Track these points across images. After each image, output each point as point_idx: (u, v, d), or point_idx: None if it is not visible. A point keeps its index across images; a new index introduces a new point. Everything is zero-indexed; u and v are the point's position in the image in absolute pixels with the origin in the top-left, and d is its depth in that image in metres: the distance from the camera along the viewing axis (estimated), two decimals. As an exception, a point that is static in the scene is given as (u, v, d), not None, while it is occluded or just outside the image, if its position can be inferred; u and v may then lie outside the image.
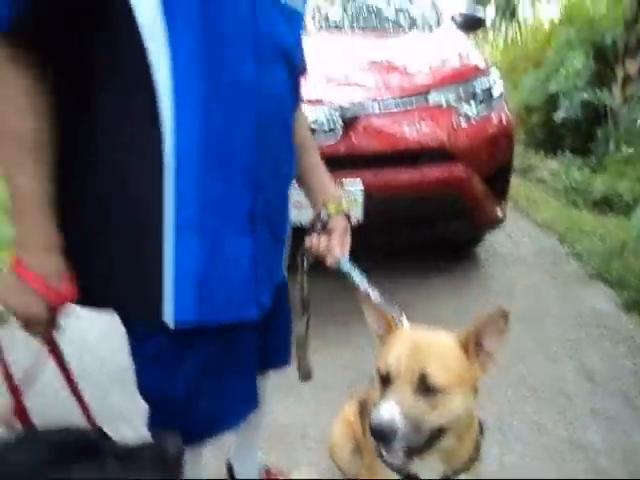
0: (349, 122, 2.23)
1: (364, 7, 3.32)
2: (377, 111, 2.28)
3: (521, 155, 5.39)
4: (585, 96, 4.81)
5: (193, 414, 0.99)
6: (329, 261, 1.09)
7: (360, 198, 2.19)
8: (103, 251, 0.90)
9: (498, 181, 2.52)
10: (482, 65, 2.65)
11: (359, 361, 2.14)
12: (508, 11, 5.97)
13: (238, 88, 0.86)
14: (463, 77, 2.50)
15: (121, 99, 0.83)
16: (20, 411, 0.88)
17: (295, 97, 1.07)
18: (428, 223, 2.41)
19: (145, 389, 1.00)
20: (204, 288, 0.90)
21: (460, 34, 3.09)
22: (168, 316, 0.89)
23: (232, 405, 1.04)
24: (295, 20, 1.00)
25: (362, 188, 2.19)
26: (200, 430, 1.02)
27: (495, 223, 2.68)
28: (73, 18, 0.76)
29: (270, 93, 0.91)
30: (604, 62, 5.00)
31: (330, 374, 2.07)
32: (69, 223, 0.87)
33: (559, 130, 5.19)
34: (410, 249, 2.97)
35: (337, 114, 2.22)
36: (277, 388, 1.42)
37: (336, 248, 1.08)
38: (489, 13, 6.19)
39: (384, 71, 2.51)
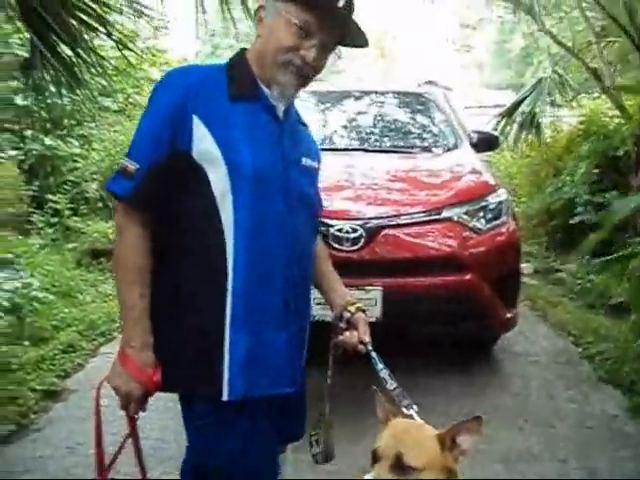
0: (371, 232, 2.58)
1: (389, 129, 3.81)
2: (396, 223, 2.63)
3: (542, 257, 5.64)
4: (600, 201, 5.12)
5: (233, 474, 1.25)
6: (360, 348, 1.34)
7: (379, 299, 2.49)
8: (179, 346, 1.22)
9: (506, 287, 2.78)
10: (492, 184, 3.01)
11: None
12: (533, 125, 6.44)
13: (274, 223, 1.22)
14: (474, 195, 2.86)
15: (199, 237, 1.20)
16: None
17: (314, 230, 1.42)
18: (441, 324, 2.67)
19: (196, 451, 1.28)
20: (252, 370, 1.20)
21: (474, 154, 3.49)
22: (225, 395, 1.19)
23: (263, 467, 1.29)
24: (313, 175, 1.38)
25: (381, 290, 2.49)
26: None
27: (506, 326, 2.91)
28: (171, 193, 1.18)
29: (295, 227, 1.27)
30: (619, 172, 5.35)
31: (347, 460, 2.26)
32: (159, 325, 1.21)
33: (577, 233, 5.45)
34: (427, 348, 3.20)
35: (361, 225, 2.58)
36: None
37: (364, 337, 1.35)
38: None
39: (404, 188, 2.90)
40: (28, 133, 6.03)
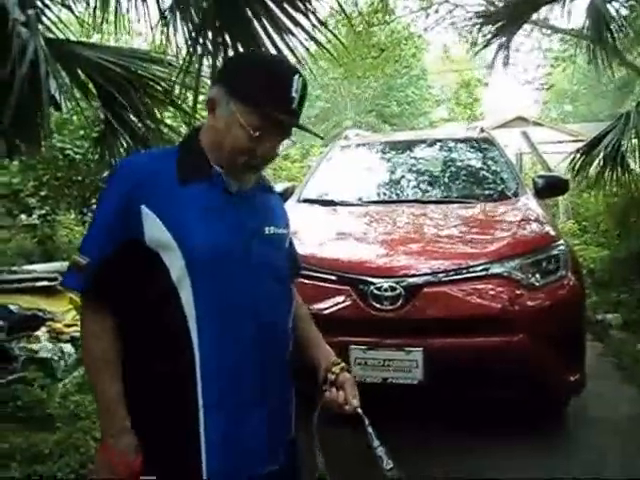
0: (412, 290, 2.50)
1: (441, 177, 3.72)
2: (439, 280, 2.53)
3: (633, 307, 5.12)
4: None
5: None
6: (348, 409, 1.28)
7: (420, 361, 2.39)
8: (155, 431, 1.23)
9: (567, 348, 2.55)
10: (550, 235, 2.83)
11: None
12: (617, 162, 5.99)
13: (238, 300, 1.21)
14: (528, 248, 2.69)
15: (162, 324, 1.21)
16: None
17: (286, 298, 1.37)
18: (489, 388, 2.49)
19: None
20: (230, 452, 1.21)
21: (536, 202, 3.30)
22: (204, 477, 1.20)
23: None
24: (279, 242, 1.35)
25: (422, 352, 2.39)
26: None
27: (569, 390, 2.66)
28: (129, 281, 1.20)
29: (263, 299, 1.25)
30: None
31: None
32: (135, 411, 1.23)
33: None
34: (479, 413, 2.96)
35: (400, 283, 2.51)
36: None
37: (352, 398, 1.29)
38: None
39: (450, 241, 2.79)
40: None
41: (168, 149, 1.37)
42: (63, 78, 3.18)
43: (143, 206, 1.17)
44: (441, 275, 2.54)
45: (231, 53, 3.14)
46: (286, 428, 1.35)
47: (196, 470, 1.20)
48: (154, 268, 1.18)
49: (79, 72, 3.42)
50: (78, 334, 4.26)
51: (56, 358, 3.72)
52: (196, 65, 3.19)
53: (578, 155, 6.27)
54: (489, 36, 6.05)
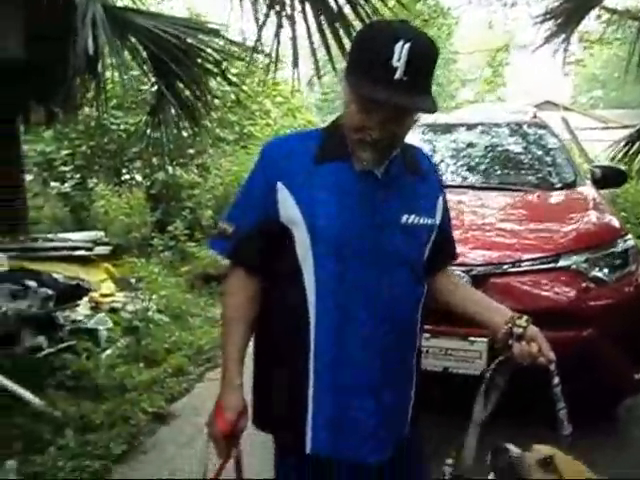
0: (478, 280, 2.43)
1: (501, 163, 3.61)
2: (506, 271, 2.46)
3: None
4: None
5: None
6: (543, 360, 1.23)
7: (484, 352, 2.34)
8: (269, 393, 1.28)
9: (635, 345, 2.48)
10: (618, 227, 2.73)
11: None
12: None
13: (360, 286, 1.20)
14: (597, 241, 2.60)
15: (285, 296, 1.24)
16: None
17: (418, 291, 1.32)
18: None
19: None
20: (335, 434, 1.21)
21: (595, 192, 3.19)
22: (308, 450, 1.22)
23: None
24: (418, 233, 1.27)
25: (487, 343, 2.33)
26: None
27: (635, 387, 2.59)
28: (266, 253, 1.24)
29: (387, 289, 1.22)
30: None
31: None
32: (256, 370, 1.31)
33: None
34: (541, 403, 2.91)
35: (466, 272, 2.44)
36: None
37: (547, 350, 1.23)
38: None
39: (516, 231, 2.71)
40: (154, 162, 6.61)
41: (312, 131, 1.35)
42: (118, 47, 3.13)
43: (279, 183, 1.20)
44: (508, 266, 2.47)
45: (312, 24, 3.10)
46: (400, 422, 1.31)
47: (300, 446, 1.22)
48: (286, 242, 1.21)
49: (133, 40, 3.37)
50: (116, 304, 4.29)
51: (100, 328, 3.74)
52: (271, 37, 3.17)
53: (622, 144, 6.11)
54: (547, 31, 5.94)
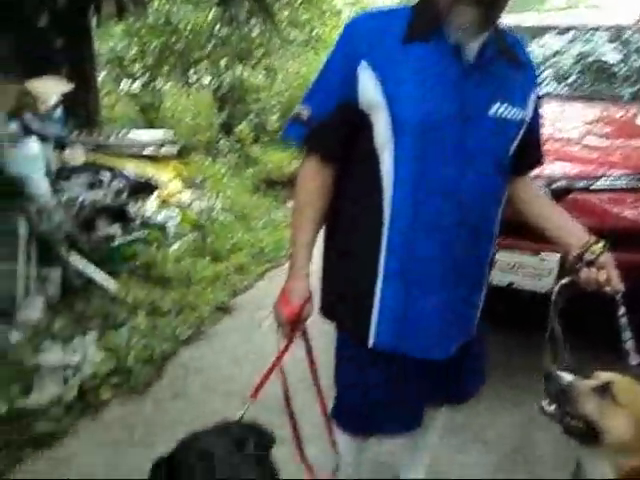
0: (557, 194, 2.27)
1: (593, 71, 3.26)
2: (586, 187, 2.29)
3: None
4: None
5: (364, 411, 1.32)
6: (609, 290, 1.20)
7: (555, 270, 2.24)
8: (336, 283, 1.29)
9: None
10: None
11: (528, 423, 2.20)
12: None
13: (439, 178, 1.13)
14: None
15: (360, 184, 1.20)
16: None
17: (500, 190, 1.26)
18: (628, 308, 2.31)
19: (340, 380, 1.36)
20: (400, 329, 1.20)
21: None
22: (371, 343, 1.23)
23: (393, 419, 1.33)
24: (506, 127, 1.18)
25: (558, 260, 2.23)
26: (365, 426, 1.36)
27: None
28: (342, 139, 1.18)
29: (467, 183, 1.15)
30: None
31: (498, 433, 2.17)
32: (325, 258, 1.32)
33: None
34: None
35: (546, 185, 2.28)
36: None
37: (616, 279, 1.20)
38: None
39: (603, 145, 2.49)
40: (222, 63, 6.49)
41: (400, 9, 1.23)
42: None
43: (363, 61, 1.12)
44: (591, 181, 2.29)
45: None
46: (466, 323, 1.29)
47: (363, 338, 1.22)
48: (363, 129, 1.15)
49: None
50: (183, 201, 4.42)
51: (168, 223, 3.88)
52: None
53: None
54: None
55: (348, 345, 1.32)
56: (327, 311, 1.35)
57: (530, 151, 1.30)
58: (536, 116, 1.27)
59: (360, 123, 1.15)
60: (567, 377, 1.11)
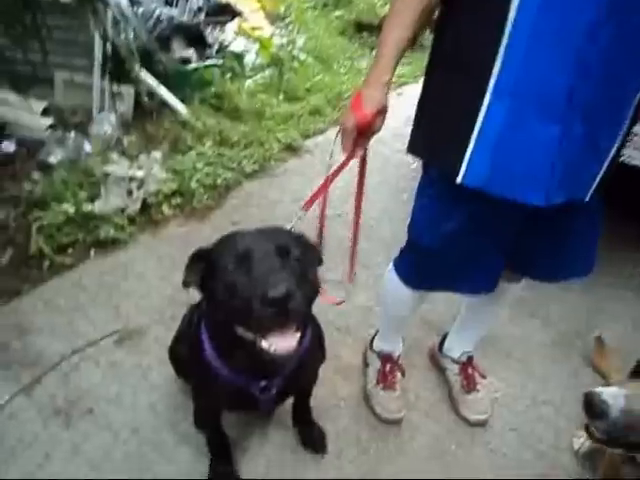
0: None
1: None
2: None
3: None
4: None
5: (436, 263, 1.21)
6: None
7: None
8: (435, 106, 1.10)
9: None
10: None
11: (595, 309, 2.02)
12: None
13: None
14: None
15: None
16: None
17: None
18: None
19: (415, 226, 1.24)
20: (499, 158, 0.99)
21: None
22: (460, 177, 1.04)
23: (465, 275, 1.22)
24: None
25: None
26: (434, 279, 1.26)
27: None
28: None
29: (616, 32, 0.89)
30: None
31: (560, 313, 2.02)
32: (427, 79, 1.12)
33: None
34: None
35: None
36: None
37: None
38: None
39: None
40: None
41: None
42: None
43: None
44: None
45: None
46: (581, 176, 1.05)
47: (455, 168, 1.04)
48: None
49: None
50: (264, 35, 4.12)
51: (246, 54, 3.65)
52: None
53: None
54: None
55: (433, 185, 1.16)
56: (417, 146, 1.17)
57: None
58: None
59: None
60: None
